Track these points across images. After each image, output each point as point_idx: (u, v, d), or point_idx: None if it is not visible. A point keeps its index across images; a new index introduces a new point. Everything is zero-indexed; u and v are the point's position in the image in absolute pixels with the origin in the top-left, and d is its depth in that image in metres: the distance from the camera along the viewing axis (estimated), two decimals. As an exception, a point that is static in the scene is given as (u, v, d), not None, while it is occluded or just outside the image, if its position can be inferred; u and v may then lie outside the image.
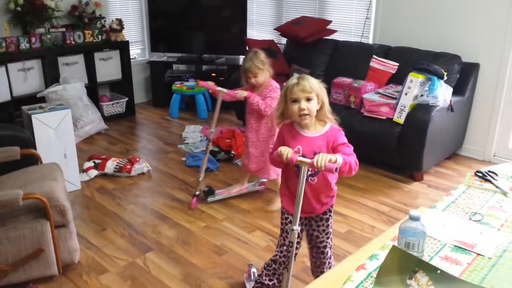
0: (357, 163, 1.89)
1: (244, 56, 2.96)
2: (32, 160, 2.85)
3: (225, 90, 2.95)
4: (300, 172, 1.83)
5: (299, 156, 1.84)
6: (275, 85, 2.98)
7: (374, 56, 4.14)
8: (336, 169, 1.72)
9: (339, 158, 1.79)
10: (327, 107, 1.92)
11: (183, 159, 4.08)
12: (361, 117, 3.76)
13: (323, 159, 1.72)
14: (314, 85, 1.87)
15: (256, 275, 2.36)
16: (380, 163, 3.86)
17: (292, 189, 2.01)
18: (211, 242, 2.84)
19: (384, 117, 3.63)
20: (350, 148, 1.91)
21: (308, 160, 1.79)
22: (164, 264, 2.63)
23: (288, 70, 4.67)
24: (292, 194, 2.01)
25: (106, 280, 2.49)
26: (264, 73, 2.91)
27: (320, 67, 4.56)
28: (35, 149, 2.99)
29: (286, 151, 1.83)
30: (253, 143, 3.14)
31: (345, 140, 1.93)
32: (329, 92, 4.01)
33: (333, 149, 1.91)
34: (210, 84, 2.99)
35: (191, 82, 5.26)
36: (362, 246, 1.64)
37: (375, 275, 1.29)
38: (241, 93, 2.93)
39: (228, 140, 4.22)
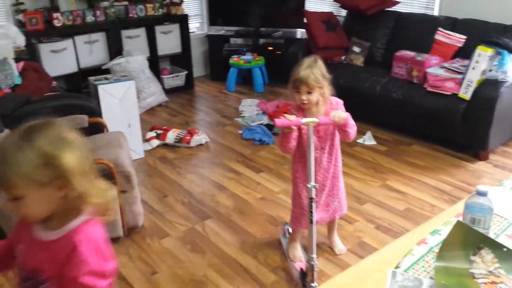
0: None
1: (299, 63, 2.10)
2: (99, 128, 3.00)
3: (316, 119, 2.00)
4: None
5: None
6: (340, 101, 2.22)
7: (439, 28, 3.95)
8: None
9: None
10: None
11: (240, 132, 4.14)
12: (424, 92, 3.63)
13: None
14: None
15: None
16: (443, 140, 3.72)
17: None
18: (266, 213, 2.89)
19: (449, 93, 3.48)
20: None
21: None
22: (222, 231, 2.72)
23: (347, 43, 4.56)
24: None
25: (167, 243, 2.62)
26: (320, 91, 2.08)
27: (381, 40, 4.42)
28: (102, 118, 3.14)
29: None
30: (319, 183, 2.21)
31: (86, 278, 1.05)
32: (390, 66, 3.99)
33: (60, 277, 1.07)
34: (292, 118, 2.00)
35: (248, 56, 5.27)
36: (420, 224, 1.61)
37: (437, 250, 1.27)
38: (339, 115, 1.99)
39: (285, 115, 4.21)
